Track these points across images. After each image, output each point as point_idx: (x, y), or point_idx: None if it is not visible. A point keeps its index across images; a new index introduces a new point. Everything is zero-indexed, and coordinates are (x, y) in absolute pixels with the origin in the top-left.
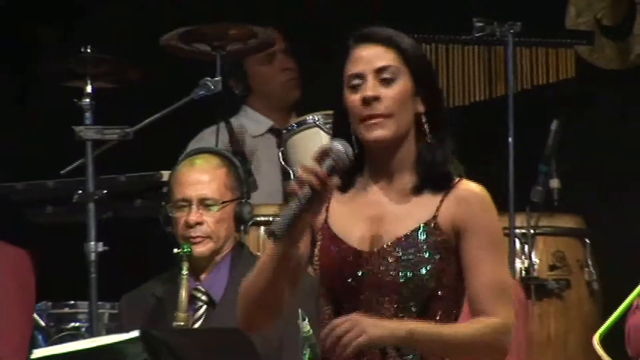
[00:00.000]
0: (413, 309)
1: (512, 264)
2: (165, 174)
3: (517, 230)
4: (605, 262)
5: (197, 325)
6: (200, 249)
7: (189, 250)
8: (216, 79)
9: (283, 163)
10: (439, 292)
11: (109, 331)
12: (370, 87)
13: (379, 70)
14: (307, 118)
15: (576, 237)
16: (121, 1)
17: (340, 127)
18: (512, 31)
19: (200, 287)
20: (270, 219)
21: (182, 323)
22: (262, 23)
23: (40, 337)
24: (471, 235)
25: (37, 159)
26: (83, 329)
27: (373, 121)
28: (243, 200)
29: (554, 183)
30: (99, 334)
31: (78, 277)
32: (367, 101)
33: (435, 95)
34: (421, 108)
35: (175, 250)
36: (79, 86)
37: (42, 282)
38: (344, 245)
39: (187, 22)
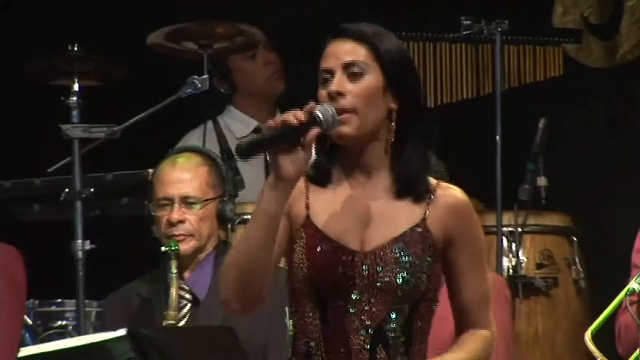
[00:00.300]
0: (405, 311)
1: (499, 262)
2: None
3: (505, 229)
4: (593, 260)
5: (182, 323)
6: (183, 247)
7: (177, 247)
8: (203, 77)
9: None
10: (428, 295)
11: (96, 329)
12: (336, 82)
13: (347, 66)
14: None
15: (563, 235)
16: None
17: None
18: (499, 29)
19: (184, 286)
20: None
21: (173, 321)
22: (248, 21)
23: (27, 335)
24: (463, 244)
25: (24, 157)
26: (70, 327)
27: (340, 117)
28: (225, 198)
29: (542, 181)
30: (86, 332)
31: (65, 276)
32: (331, 96)
33: (411, 94)
34: (394, 105)
35: (163, 248)
36: (65, 84)
37: (29, 280)
38: (334, 243)
39: (174, 21)
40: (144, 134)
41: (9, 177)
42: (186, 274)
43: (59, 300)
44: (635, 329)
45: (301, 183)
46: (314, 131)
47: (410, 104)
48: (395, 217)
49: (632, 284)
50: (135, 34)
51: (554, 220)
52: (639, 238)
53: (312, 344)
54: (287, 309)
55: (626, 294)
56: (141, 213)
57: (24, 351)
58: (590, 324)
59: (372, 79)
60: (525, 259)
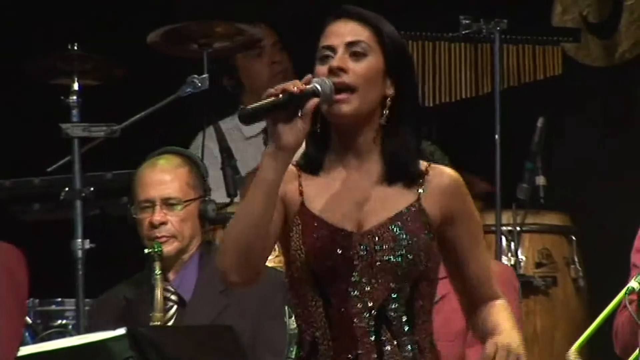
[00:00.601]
0: (406, 290)
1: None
2: None
3: (504, 228)
4: (591, 259)
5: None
6: (167, 249)
7: (160, 249)
8: (203, 76)
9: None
10: (428, 273)
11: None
12: (338, 58)
13: (351, 44)
14: None
15: (562, 235)
16: None
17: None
18: (498, 28)
19: (169, 287)
20: None
21: (159, 323)
22: (252, 20)
23: (27, 334)
24: (463, 222)
25: (24, 156)
26: (70, 327)
27: (339, 96)
28: (207, 199)
29: (540, 180)
30: (85, 332)
31: (65, 275)
32: (332, 71)
33: (408, 82)
34: (390, 91)
35: (147, 250)
36: (65, 84)
37: (29, 279)
38: (331, 227)
39: (174, 20)
40: (143, 133)
41: (9, 176)
42: (171, 276)
43: (59, 299)
44: (633, 328)
45: (293, 171)
46: (313, 101)
47: (405, 91)
48: (389, 199)
49: (632, 283)
50: (135, 33)
51: (552, 219)
52: (639, 237)
53: (317, 333)
54: (286, 308)
55: (626, 293)
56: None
57: (24, 350)
58: (590, 323)
59: (374, 60)
60: (524, 258)
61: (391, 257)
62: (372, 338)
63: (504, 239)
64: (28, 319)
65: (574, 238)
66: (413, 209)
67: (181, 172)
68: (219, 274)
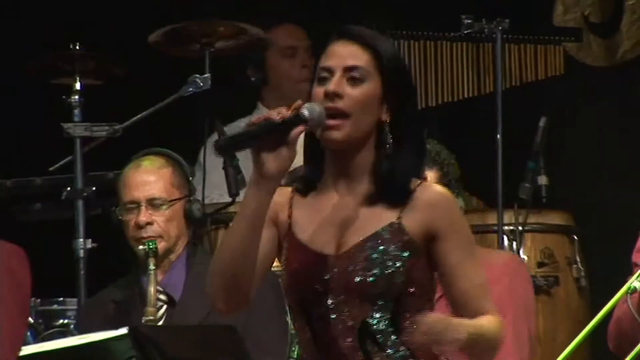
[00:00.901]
0: (386, 307)
1: None
2: None
3: (506, 227)
4: (594, 259)
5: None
6: None
7: (154, 246)
8: (205, 76)
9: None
10: (411, 289)
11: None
12: (335, 82)
13: (349, 69)
14: None
15: (564, 234)
16: None
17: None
18: (500, 28)
19: (158, 287)
20: None
21: (152, 317)
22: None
23: (29, 334)
24: (449, 239)
25: (26, 156)
26: (71, 326)
27: (332, 122)
28: (191, 198)
29: (542, 180)
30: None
31: (67, 274)
32: (328, 95)
33: (405, 107)
34: (385, 117)
35: (140, 247)
36: (67, 83)
37: (31, 278)
38: (311, 252)
39: (175, 20)
40: (145, 132)
41: (11, 175)
42: (159, 276)
43: (61, 298)
44: (631, 324)
45: (287, 194)
46: (299, 129)
47: (404, 115)
48: (369, 219)
49: (634, 283)
50: (136, 33)
51: (554, 219)
52: None
53: (310, 358)
54: (287, 307)
55: (626, 292)
56: None
57: (26, 350)
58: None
59: (372, 86)
60: (526, 258)
61: (364, 277)
62: (360, 354)
63: (505, 238)
64: (30, 319)
65: (576, 238)
66: (391, 228)
67: (165, 173)
68: (211, 299)
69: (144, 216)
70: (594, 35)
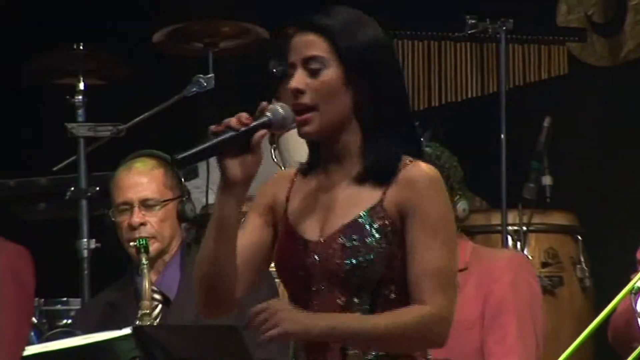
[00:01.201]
0: (364, 296)
1: None
2: None
3: (510, 227)
4: (598, 259)
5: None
6: None
7: (145, 242)
8: (209, 75)
9: (275, 160)
10: (390, 277)
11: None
12: (295, 79)
13: (307, 60)
14: None
15: (568, 234)
16: None
17: None
18: (504, 28)
19: (153, 287)
20: None
21: (147, 311)
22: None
23: (32, 334)
24: (414, 218)
25: (30, 156)
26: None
27: (300, 117)
28: (184, 199)
29: (546, 180)
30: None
31: (70, 274)
32: (292, 93)
33: (378, 86)
34: (359, 97)
35: (131, 244)
36: (70, 83)
37: (34, 278)
38: (297, 237)
39: (179, 19)
40: (149, 132)
41: (14, 175)
42: (153, 277)
43: (64, 299)
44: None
45: (289, 175)
46: (261, 133)
47: (377, 96)
48: (353, 203)
49: (638, 282)
50: (140, 33)
51: (558, 219)
52: None
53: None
54: None
55: (630, 291)
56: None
57: (29, 350)
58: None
59: (331, 73)
60: (530, 258)
61: (342, 265)
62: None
63: (510, 238)
64: (33, 319)
65: (580, 238)
66: (372, 212)
67: (157, 174)
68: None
69: (137, 217)
70: (598, 35)
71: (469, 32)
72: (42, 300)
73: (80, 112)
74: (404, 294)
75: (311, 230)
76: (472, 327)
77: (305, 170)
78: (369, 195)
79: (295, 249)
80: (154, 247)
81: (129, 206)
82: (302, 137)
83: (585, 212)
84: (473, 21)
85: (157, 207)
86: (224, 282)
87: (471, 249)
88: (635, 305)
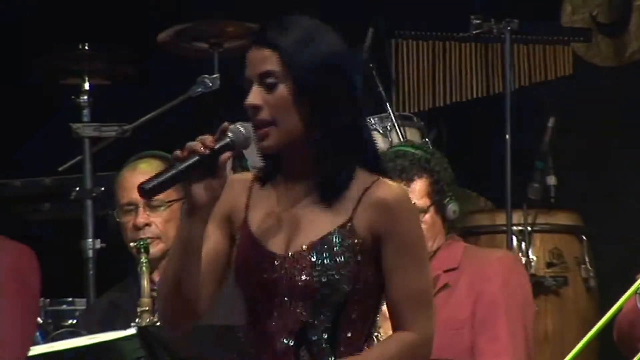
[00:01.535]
0: (328, 313)
1: None
2: None
3: (514, 228)
4: (602, 259)
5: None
6: (152, 250)
7: (146, 243)
8: (214, 76)
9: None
10: (355, 296)
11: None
12: (251, 96)
13: (262, 75)
14: None
15: (573, 234)
16: None
17: None
18: (509, 28)
19: (155, 288)
20: None
21: (147, 308)
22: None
23: (38, 334)
24: (391, 242)
25: (35, 156)
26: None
27: (259, 132)
28: None
29: (551, 180)
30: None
31: (75, 274)
32: (249, 109)
33: (322, 104)
34: (312, 113)
35: (132, 244)
36: (76, 83)
37: (40, 278)
38: (261, 248)
39: (184, 20)
40: (154, 132)
41: (20, 175)
42: (156, 277)
43: (70, 299)
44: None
45: (247, 182)
46: (226, 155)
47: (325, 113)
48: (320, 219)
49: None
50: (145, 33)
51: (563, 219)
52: None
53: (247, 343)
54: None
55: (635, 292)
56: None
57: (35, 350)
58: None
59: (285, 88)
60: (535, 258)
61: (309, 281)
62: (292, 357)
63: (514, 238)
64: (39, 319)
65: (584, 238)
66: (342, 231)
67: None
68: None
69: (141, 217)
70: (602, 36)
71: (474, 32)
72: (48, 300)
73: (85, 112)
74: (365, 314)
75: (276, 243)
76: (462, 327)
77: (263, 179)
78: (338, 213)
79: (260, 261)
80: (158, 247)
81: (133, 207)
82: (262, 152)
83: (590, 212)
84: (478, 21)
85: (162, 208)
86: (189, 298)
87: (463, 249)
88: None
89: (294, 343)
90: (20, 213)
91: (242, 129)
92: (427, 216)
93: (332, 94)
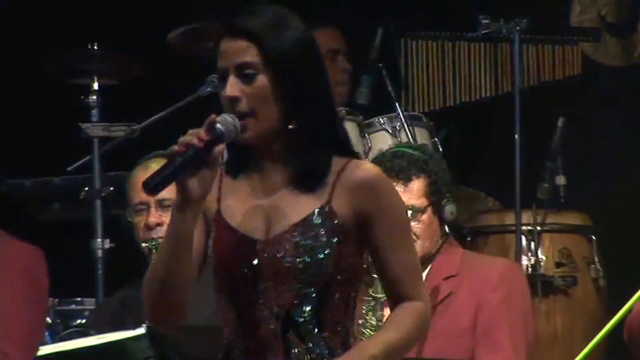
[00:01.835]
0: (312, 295)
1: (518, 261)
2: None
3: (524, 227)
4: (612, 259)
5: None
6: None
7: (157, 243)
8: None
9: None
10: (338, 277)
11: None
12: (229, 87)
13: (239, 67)
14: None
15: (582, 234)
16: None
17: None
18: (518, 28)
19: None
20: None
21: None
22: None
23: (46, 334)
24: (380, 221)
25: (44, 156)
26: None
27: (240, 123)
28: None
29: (560, 180)
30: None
31: (84, 274)
32: (228, 100)
33: (305, 90)
34: (288, 102)
35: (144, 245)
36: (85, 83)
37: (49, 278)
38: (240, 235)
39: (194, 19)
40: (163, 132)
41: (29, 175)
42: None
43: (79, 298)
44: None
45: (217, 176)
46: (219, 148)
47: (303, 99)
48: (299, 204)
49: None
50: (155, 33)
51: (572, 219)
52: None
53: (231, 337)
54: None
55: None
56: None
57: (44, 350)
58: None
59: (264, 78)
60: (544, 258)
61: (293, 263)
62: (281, 342)
63: (524, 238)
64: (48, 319)
65: (594, 238)
66: (322, 212)
67: None
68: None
69: (153, 217)
70: (610, 35)
71: (483, 32)
72: (57, 300)
73: (94, 112)
74: (347, 295)
75: (255, 229)
76: (463, 335)
77: (233, 170)
78: (315, 198)
79: (240, 248)
80: None
81: (145, 206)
82: (244, 143)
83: (599, 212)
84: (487, 21)
85: None
86: (177, 294)
87: (461, 255)
88: None
89: (281, 327)
90: (30, 213)
91: (229, 119)
92: (425, 216)
93: (309, 81)
